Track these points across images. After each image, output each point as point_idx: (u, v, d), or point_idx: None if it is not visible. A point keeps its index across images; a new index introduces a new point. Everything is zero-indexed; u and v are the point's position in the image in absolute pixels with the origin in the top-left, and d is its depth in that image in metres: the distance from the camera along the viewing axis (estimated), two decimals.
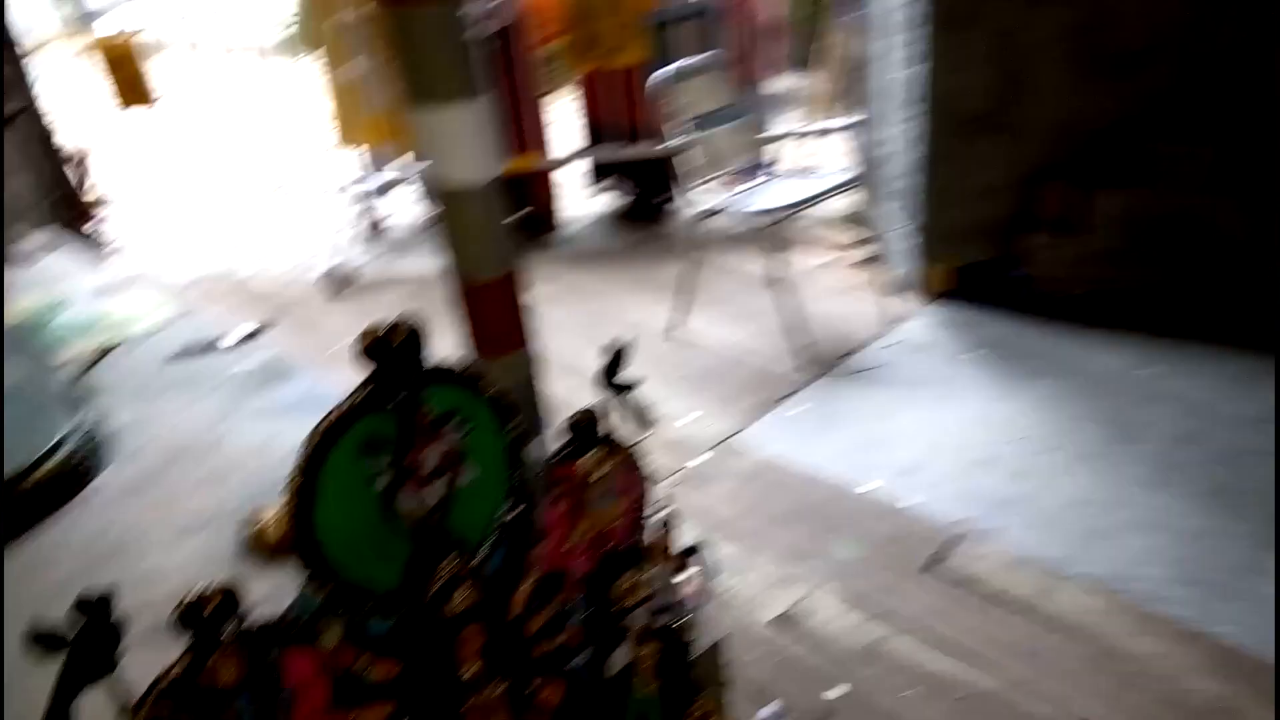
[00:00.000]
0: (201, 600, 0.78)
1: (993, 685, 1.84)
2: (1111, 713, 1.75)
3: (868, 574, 2.17)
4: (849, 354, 3.25)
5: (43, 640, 0.72)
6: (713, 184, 3.57)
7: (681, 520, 2.34)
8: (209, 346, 2.62)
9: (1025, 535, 2.25)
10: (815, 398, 3.00)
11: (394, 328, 0.92)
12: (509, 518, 1.05)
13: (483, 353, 1.73)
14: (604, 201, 5.15)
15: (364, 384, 0.91)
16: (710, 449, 2.75)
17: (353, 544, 0.91)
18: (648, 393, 3.09)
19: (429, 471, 0.96)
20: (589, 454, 1.13)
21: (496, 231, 1.69)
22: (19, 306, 2.89)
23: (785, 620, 2.05)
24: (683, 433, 2.85)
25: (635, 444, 1.18)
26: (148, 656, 0.78)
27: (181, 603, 0.77)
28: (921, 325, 3.41)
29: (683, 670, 1.21)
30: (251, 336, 2.67)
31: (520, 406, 1.77)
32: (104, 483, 1.91)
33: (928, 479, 2.51)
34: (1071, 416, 2.72)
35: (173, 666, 0.78)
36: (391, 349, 0.92)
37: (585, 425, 1.13)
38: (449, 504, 0.98)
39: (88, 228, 4.53)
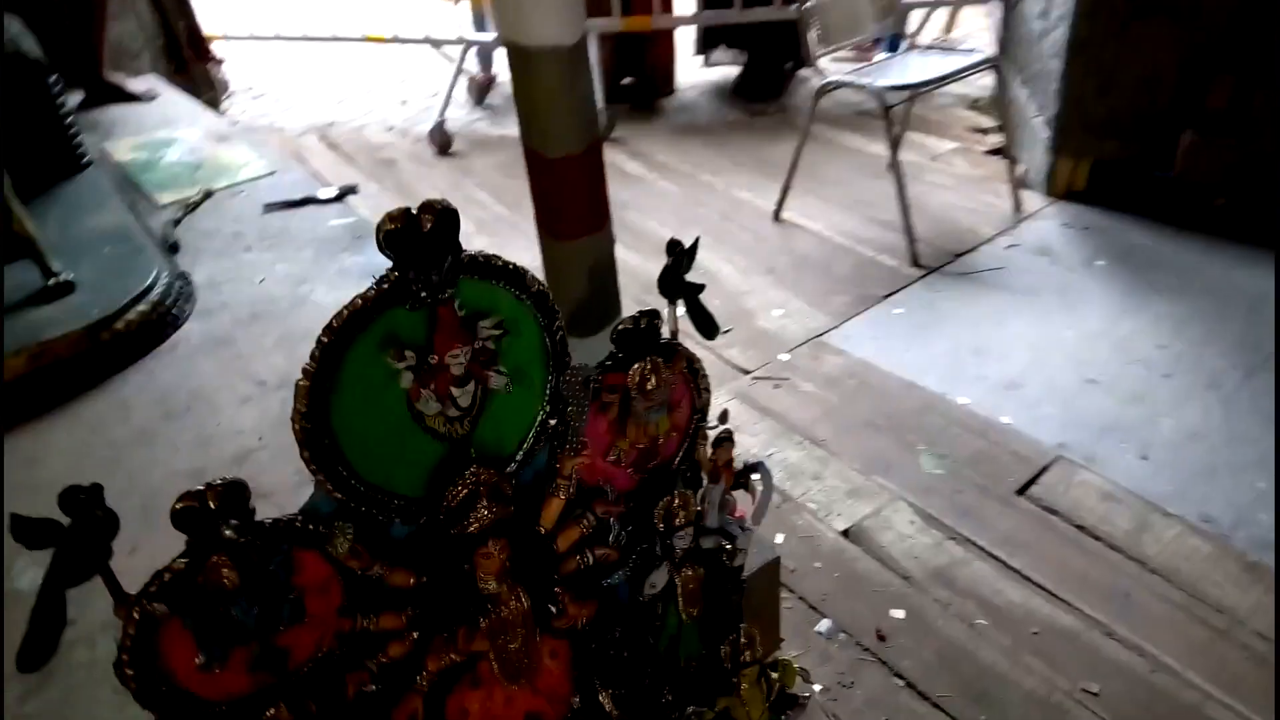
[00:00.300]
0: (202, 500, 0.74)
1: (1071, 624, 1.73)
2: (1196, 666, 1.63)
3: (952, 492, 2.06)
4: (964, 252, 3.05)
5: (29, 531, 0.67)
6: (840, 55, 3.34)
7: (756, 422, 2.27)
8: (306, 200, 2.60)
9: (1130, 466, 2.10)
10: (920, 297, 2.83)
11: (423, 212, 0.83)
12: (546, 428, 0.97)
13: (555, 234, 1.63)
14: (716, 72, 4.91)
15: (389, 273, 0.84)
16: (799, 345, 2.63)
17: (372, 445, 0.85)
18: (740, 281, 2.98)
19: (458, 373, 0.89)
20: (642, 361, 1.04)
21: (578, 102, 1.56)
22: (125, 147, 2.92)
23: (856, 533, 1.96)
24: (772, 325, 2.73)
25: (696, 352, 1.09)
26: None
27: (180, 503, 0.72)
28: (1047, 226, 3.18)
29: (726, 597, 1.14)
30: (344, 195, 2.64)
31: (591, 296, 1.69)
32: (186, 334, 1.92)
33: (1031, 396, 2.35)
34: (1201, 339, 2.50)
35: (171, 564, 0.74)
36: (421, 235, 0.84)
37: (640, 330, 1.03)
38: (480, 409, 0.92)
39: (200, 73, 4.55)
